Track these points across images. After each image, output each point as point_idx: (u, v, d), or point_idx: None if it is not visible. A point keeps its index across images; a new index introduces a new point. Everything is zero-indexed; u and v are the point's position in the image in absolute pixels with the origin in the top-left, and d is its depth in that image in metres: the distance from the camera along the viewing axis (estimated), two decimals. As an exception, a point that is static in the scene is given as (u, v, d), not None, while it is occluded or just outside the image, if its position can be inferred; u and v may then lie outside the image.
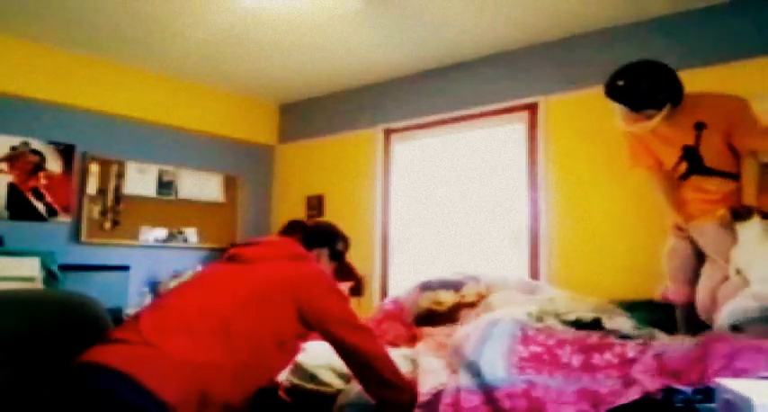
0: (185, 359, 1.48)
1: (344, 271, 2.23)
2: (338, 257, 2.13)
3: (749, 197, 2.50)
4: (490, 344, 1.88)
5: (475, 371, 1.80)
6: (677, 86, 2.49)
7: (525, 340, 1.91)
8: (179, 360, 1.48)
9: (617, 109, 2.57)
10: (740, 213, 2.42)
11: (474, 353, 1.87)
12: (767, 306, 2.06)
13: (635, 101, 2.49)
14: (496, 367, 1.79)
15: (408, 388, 1.80)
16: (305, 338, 1.84)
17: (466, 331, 2.08)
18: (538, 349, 1.88)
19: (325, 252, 2.10)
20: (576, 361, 1.82)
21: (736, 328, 2.08)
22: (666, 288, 2.73)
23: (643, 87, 2.48)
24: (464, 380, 1.79)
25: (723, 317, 2.15)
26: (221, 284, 1.73)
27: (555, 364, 1.81)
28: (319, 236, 2.11)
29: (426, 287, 2.90)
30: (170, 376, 1.45)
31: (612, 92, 2.54)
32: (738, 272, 2.28)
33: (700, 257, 2.60)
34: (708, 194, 2.59)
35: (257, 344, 1.63)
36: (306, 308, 1.71)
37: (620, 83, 2.52)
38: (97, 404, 1.43)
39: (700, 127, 2.53)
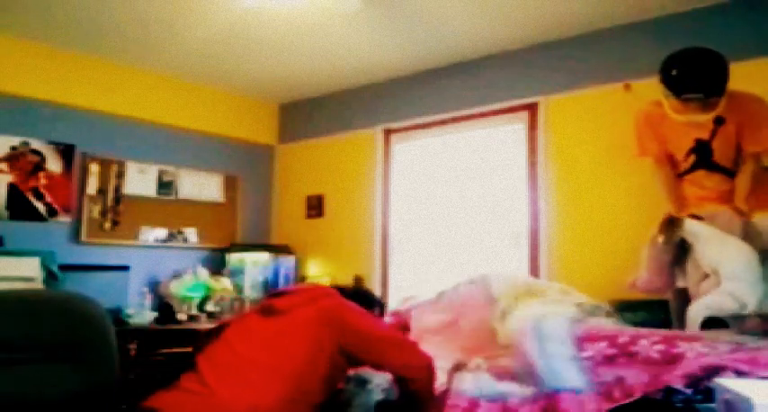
0: (242, 402, 1.59)
1: None
2: None
3: (739, 197, 2.50)
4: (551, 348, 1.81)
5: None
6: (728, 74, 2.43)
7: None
8: (237, 404, 1.58)
9: (669, 99, 2.48)
10: (673, 220, 2.45)
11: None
12: (745, 304, 2.09)
13: (710, 87, 2.39)
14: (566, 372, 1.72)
15: (433, 398, 1.86)
16: (344, 371, 1.89)
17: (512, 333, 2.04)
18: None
19: None
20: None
21: (708, 323, 2.11)
22: (637, 277, 2.70)
23: (715, 71, 2.40)
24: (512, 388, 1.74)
25: (698, 310, 2.17)
26: (266, 339, 1.78)
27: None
28: (357, 298, 2.09)
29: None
30: None
31: (681, 79, 2.42)
32: (714, 272, 2.29)
33: (681, 253, 2.55)
34: (706, 191, 2.59)
35: (307, 382, 1.70)
36: (346, 338, 1.76)
37: (689, 69, 2.42)
38: None
39: (719, 122, 2.50)
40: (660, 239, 2.50)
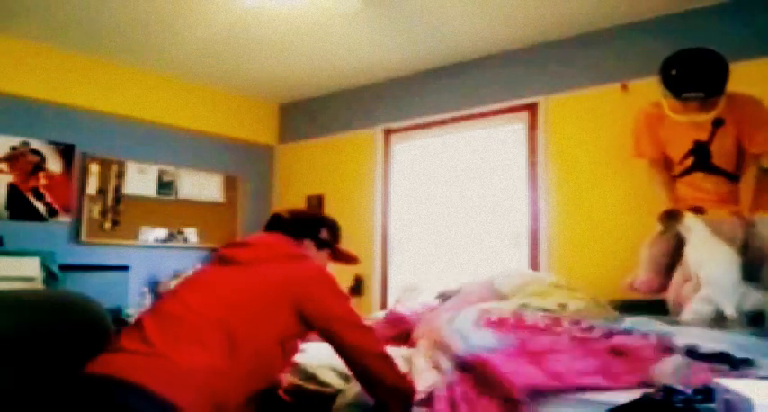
0: (195, 367, 1.48)
1: (339, 256, 2.14)
2: (325, 245, 2.04)
3: (745, 200, 2.50)
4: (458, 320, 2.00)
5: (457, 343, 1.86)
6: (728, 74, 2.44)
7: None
8: (189, 368, 1.47)
9: (668, 99, 2.49)
10: (672, 214, 2.45)
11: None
12: (721, 310, 2.09)
13: (711, 86, 2.40)
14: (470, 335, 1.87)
15: (407, 387, 1.78)
16: (304, 338, 1.83)
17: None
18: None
19: (311, 243, 2.00)
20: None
21: None
22: (636, 277, 2.70)
23: (715, 71, 2.40)
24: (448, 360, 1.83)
25: (685, 321, 2.16)
26: (220, 290, 1.70)
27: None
28: (300, 227, 1.99)
29: None
30: (182, 384, 1.44)
31: (681, 79, 2.42)
32: (695, 274, 2.30)
33: (678, 252, 2.56)
34: (703, 193, 2.59)
35: (260, 346, 1.62)
36: (306, 308, 1.70)
37: (689, 69, 2.42)
38: None
39: (718, 123, 2.50)
40: (659, 229, 2.50)
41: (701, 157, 2.58)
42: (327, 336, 1.75)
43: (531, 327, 1.92)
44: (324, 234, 2.04)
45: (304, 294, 1.71)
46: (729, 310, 2.09)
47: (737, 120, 2.49)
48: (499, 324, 1.96)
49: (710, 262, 2.23)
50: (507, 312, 2.08)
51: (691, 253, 2.33)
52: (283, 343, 1.70)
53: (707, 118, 2.48)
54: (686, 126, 2.55)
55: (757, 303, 2.11)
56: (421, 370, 1.93)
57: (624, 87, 3.22)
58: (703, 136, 2.56)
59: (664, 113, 2.59)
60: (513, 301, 2.32)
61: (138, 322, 1.62)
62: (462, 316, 2.04)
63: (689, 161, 2.63)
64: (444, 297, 2.72)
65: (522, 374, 1.59)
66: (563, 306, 2.32)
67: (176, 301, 1.67)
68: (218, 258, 1.83)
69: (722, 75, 2.41)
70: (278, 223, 1.99)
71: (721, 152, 2.55)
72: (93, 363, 1.50)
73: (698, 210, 2.47)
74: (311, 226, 2.02)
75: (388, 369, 1.76)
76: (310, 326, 1.73)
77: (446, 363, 1.81)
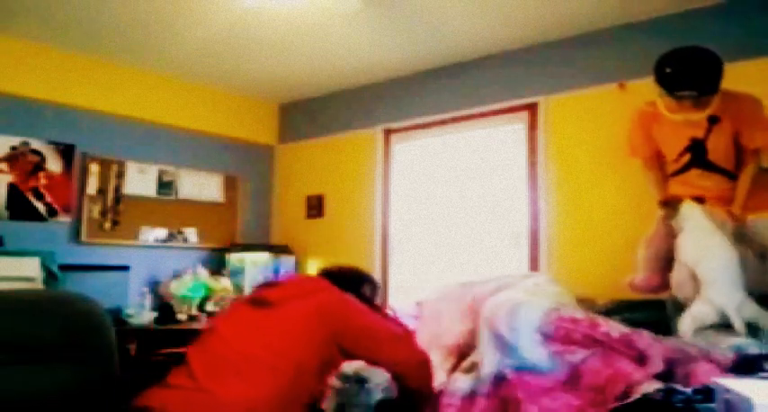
0: (237, 400, 1.55)
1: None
2: (365, 301, 2.11)
3: (740, 197, 2.50)
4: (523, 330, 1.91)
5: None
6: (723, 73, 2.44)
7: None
8: (231, 401, 1.55)
9: (664, 98, 2.50)
10: (670, 203, 2.44)
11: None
12: (723, 312, 2.07)
13: (704, 85, 2.40)
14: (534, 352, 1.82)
15: (431, 395, 1.86)
16: (338, 366, 1.89)
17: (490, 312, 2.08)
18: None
19: (352, 297, 2.07)
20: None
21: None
22: (635, 276, 2.70)
23: (708, 70, 2.41)
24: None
25: (686, 323, 2.15)
26: (256, 329, 1.76)
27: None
28: (345, 281, 2.07)
29: None
30: None
31: (674, 77, 2.43)
32: (691, 269, 2.27)
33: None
34: (700, 191, 2.58)
35: (299, 377, 1.68)
36: (340, 331, 1.75)
37: (682, 67, 2.43)
38: None
39: (713, 120, 2.51)
40: (662, 214, 2.49)
41: (697, 154, 2.58)
42: (366, 357, 1.83)
43: (604, 340, 1.83)
44: (366, 290, 2.14)
45: (335, 319, 1.76)
46: (731, 310, 2.07)
47: (734, 117, 2.49)
48: (568, 330, 1.87)
49: (708, 256, 2.20)
50: (580, 312, 1.99)
51: (686, 243, 2.31)
52: (320, 370, 1.75)
53: (702, 116, 2.49)
54: (682, 124, 2.55)
55: (753, 314, 2.09)
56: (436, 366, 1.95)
57: (622, 86, 3.22)
58: (699, 133, 2.56)
59: (659, 112, 2.59)
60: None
61: (185, 359, 1.71)
62: (529, 310, 1.96)
63: (685, 158, 2.63)
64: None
65: None
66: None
67: (218, 339, 1.76)
68: (251, 300, 1.90)
69: (716, 73, 2.41)
70: (325, 276, 2.06)
71: (718, 149, 2.55)
72: (142, 397, 1.59)
73: (699, 200, 2.46)
74: (356, 281, 2.12)
75: (418, 376, 1.85)
76: (347, 352, 1.79)
77: (491, 357, 1.82)
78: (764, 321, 2.07)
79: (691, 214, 2.35)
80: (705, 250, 2.23)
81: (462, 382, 1.83)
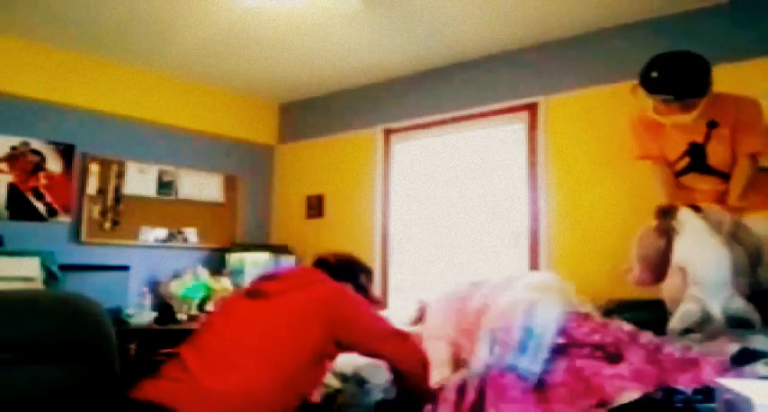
0: (231, 390, 1.56)
1: (370, 300, 2.23)
2: (362, 290, 2.14)
3: (733, 196, 2.50)
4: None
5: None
6: (710, 77, 2.45)
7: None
8: (224, 391, 1.55)
9: (650, 101, 2.51)
10: (666, 210, 2.44)
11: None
12: (707, 309, 2.08)
13: (683, 89, 2.42)
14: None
15: (429, 392, 1.87)
16: (334, 357, 1.88)
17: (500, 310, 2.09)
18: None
19: (349, 286, 2.09)
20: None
21: (687, 332, 2.11)
22: (631, 272, 2.68)
23: (690, 74, 2.43)
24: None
25: (675, 321, 2.16)
26: (252, 320, 1.76)
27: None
28: (342, 270, 2.10)
29: None
30: (216, 407, 1.53)
31: (656, 81, 2.46)
32: (681, 269, 2.27)
33: (669, 248, 2.53)
34: (699, 194, 2.60)
35: (294, 367, 1.68)
36: (337, 324, 1.75)
37: (664, 72, 2.45)
38: None
39: (712, 125, 2.52)
40: (653, 226, 2.49)
41: (696, 159, 2.60)
42: (363, 351, 1.83)
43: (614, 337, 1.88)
44: (362, 279, 2.17)
45: (333, 313, 1.77)
46: (715, 309, 2.08)
47: (732, 121, 2.50)
48: (578, 327, 1.92)
49: (700, 259, 2.21)
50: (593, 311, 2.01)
51: (680, 247, 2.31)
52: (316, 362, 1.75)
53: (687, 118, 2.49)
54: (681, 128, 2.57)
55: (740, 309, 2.10)
56: (433, 364, 1.96)
57: (635, 88, 3.23)
58: (698, 138, 2.57)
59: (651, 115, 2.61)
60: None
61: (179, 353, 1.71)
62: (546, 309, 2.00)
63: (684, 162, 2.64)
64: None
65: None
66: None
67: (212, 332, 1.76)
68: (248, 292, 1.90)
69: (698, 77, 2.42)
70: (322, 265, 2.08)
71: (718, 154, 2.55)
72: (137, 389, 1.60)
73: (696, 209, 2.47)
74: (353, 270, 2.16)
75: (414, 378, 1.86)
76: (342, 344, 1.79)
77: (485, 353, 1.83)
78: (752, 316, 2.09)
79: (687, 220, 2.35)
80: (698, 252, 2.24)
81: (456, 375, 1.85)
